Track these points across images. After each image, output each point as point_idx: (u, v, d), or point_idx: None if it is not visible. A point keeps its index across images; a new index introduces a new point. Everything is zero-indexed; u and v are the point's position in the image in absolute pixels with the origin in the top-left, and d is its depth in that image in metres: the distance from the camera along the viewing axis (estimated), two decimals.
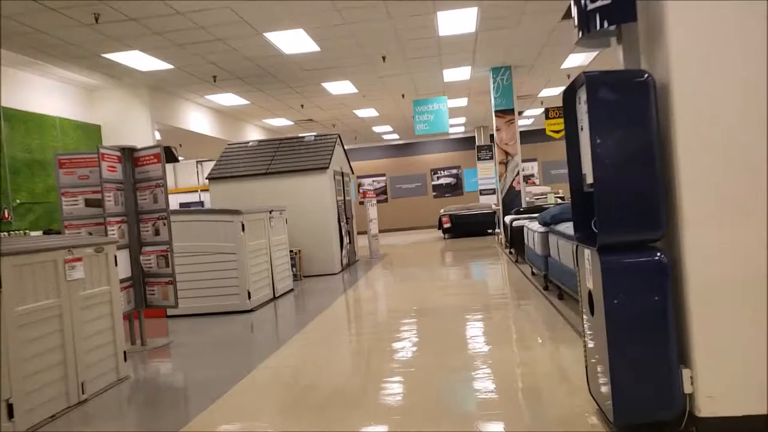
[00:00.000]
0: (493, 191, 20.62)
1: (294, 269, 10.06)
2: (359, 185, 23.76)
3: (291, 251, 9.93)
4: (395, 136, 22.04)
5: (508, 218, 10.28)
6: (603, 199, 2.65)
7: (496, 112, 12.06)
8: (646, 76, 2.67)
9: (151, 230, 5.93)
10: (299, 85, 12.19)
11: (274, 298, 8.25)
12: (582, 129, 2.98)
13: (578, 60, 11.96)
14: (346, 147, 24.44)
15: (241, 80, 11.42)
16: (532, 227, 7.16)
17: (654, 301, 2.61)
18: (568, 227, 5.32)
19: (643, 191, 2.66)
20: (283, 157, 11.03)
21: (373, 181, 23.84)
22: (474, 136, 23.11)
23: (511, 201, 11.98)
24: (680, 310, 2.71)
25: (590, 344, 3.11)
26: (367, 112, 15.99)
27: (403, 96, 13.82)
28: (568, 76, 13.55)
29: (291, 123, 16.93)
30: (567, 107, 3.14)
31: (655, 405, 2.65)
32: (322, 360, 4.79)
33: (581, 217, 3.12)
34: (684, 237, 2.68)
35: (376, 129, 19.62)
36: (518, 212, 10.50)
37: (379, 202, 23.66)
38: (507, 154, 12.05)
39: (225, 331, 6.30)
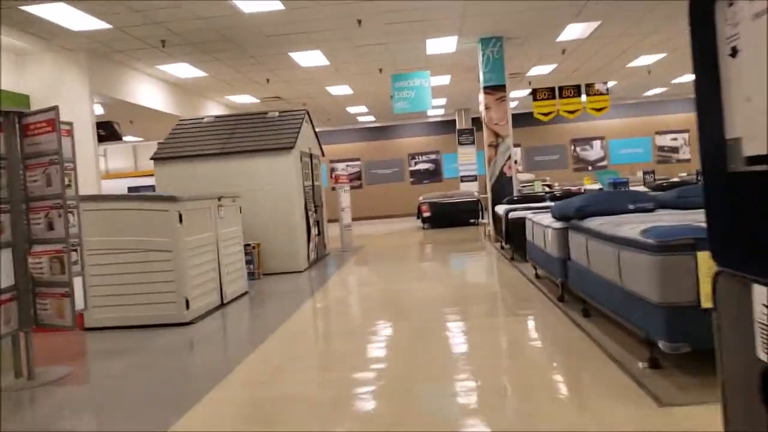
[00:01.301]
0: (474, 178, 19.32)
1: (251, 267, 8.58)
2: (332, 170, 22.22)
3: (248, 245, 8.44)
4: (371, 117, 20.54)
5: (501, 208, 8.92)
6: None
7: (485, 88, 10.67)
8: None
9: (43, 223, 4.40)
10: (263, 55, 10.61)
11: (222, 305, 6.77)
12: (737, 52, 1.56)
13: (577, 31, 10.61)
14: (317, 129, 22.90)
15: (194, 47, 9.80)
16: (541, 221, 5.80)
17: None
18: (605, 224, 3.95)
19: None
20: (242, 136, 9.48)
21: (347, 165, 22.34)
22: (455, 120, 21.74)
23: (502, 188, 10.64)
24: None
25: None
26: (341, 89, 14.45)
27: (380, 71, 12.33)
28: (563, 51, 12.22)
29: (256, 100, 15.30)
30: (697, 25, 1.71)
31: None
32: (270, 415, 3.35)
33: (724, 220, 1.72)
34: None
35: (351, 110, 18.09)
36: (512, 201, 9.15)
37: (352, 188, 22.14)
38: (497, 135, 10.68)
39: (145, 358, 4.81)
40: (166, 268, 5.89)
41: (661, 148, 21.52)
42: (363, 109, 18.06)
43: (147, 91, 11.66)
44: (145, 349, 5.09)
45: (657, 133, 21.53)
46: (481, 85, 10.70)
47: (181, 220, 5.92)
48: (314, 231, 9.89)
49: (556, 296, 5.49)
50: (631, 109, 21.48)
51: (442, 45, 10.76)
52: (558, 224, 5.08)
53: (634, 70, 15.12)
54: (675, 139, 21.47)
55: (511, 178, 10.69)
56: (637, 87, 18.37)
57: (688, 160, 21.22)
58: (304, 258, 9.24)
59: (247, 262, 8.51)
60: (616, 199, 4.55)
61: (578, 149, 21.92)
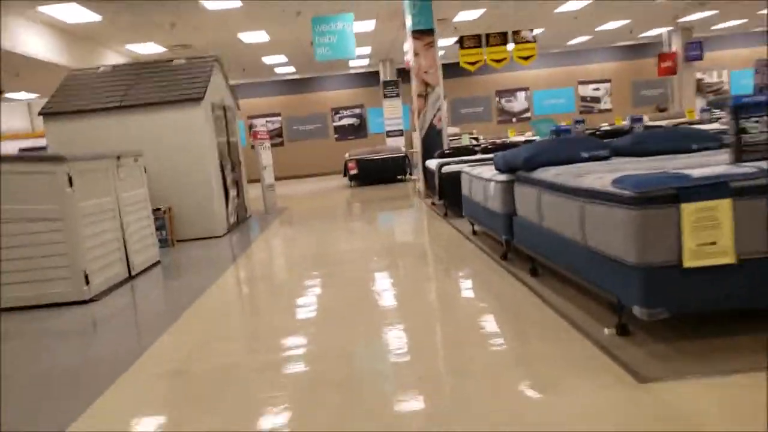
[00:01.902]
0: (401, 132, 18.81)
1: (163, 233, 7.72)
2: (250, 126, 21.03)
3: (157, 210, 7.57)
4: (291, 69, 19.40)
5: (432, 163, 8.46)
6: None
7: (413, 32, 10.02)
8: None
9: None
10: None
11: (130, 277, 5.96)
12: None
13: None
14: (232, 82, 21.44)
15: None
16: (480, 174, 5.36)
17: None
18: (562, 175, 3.52)
19: None
20: (144, 87, 8.41)
21: (267, 122, 21.20)
22: (379, 72, 20.98)
23: (432, 142, 10.17)
24: None
25: None
26: (256, 36, 13.34)
27: (298, 13, 11.37)
28: None
29: (163, 49, 13.90)
30: None
31: None
32: (183, 409, 2.74)
33: None
34: None
35: (267, 60, 16.93)
36: (444, 155, 8.70)
37: (273, 145, 21.05)
38: (427, 84, 10.13)
39: (32, 343, 4.03)
40: (56, 240, 5.03)
41: (583, 98, 21.75)
42: (282, 59, 16.96)
43: (29, 39, 10.18)
44: (33, 333, 4.30)
45: (580, 83, 21.71)
46: (409, 29, 10.05)
47: (71, 184, 5.03)
48: (233, 192, 9.07)
49: (499, 254, 5.11)
50: (554, 59, 21.48)
51: None
52: (502, 177, 4.64)
53: (560, 17, 14.89)
54: (597, 89, 21.75)
55: (441, 131, 10.22)
56: (563, 35, 18.27)
57: (609, 110, 21.59)
58: (223, 222, 8.45)
59: (158, 228, 7.66)
60: (568, 147, 4.14)
61: (503, 101, 21.80)
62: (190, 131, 8.04)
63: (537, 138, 8.65)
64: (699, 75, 20.33)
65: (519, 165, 4.24)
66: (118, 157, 5.96)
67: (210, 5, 10.21)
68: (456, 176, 6.82)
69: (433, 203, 9.08)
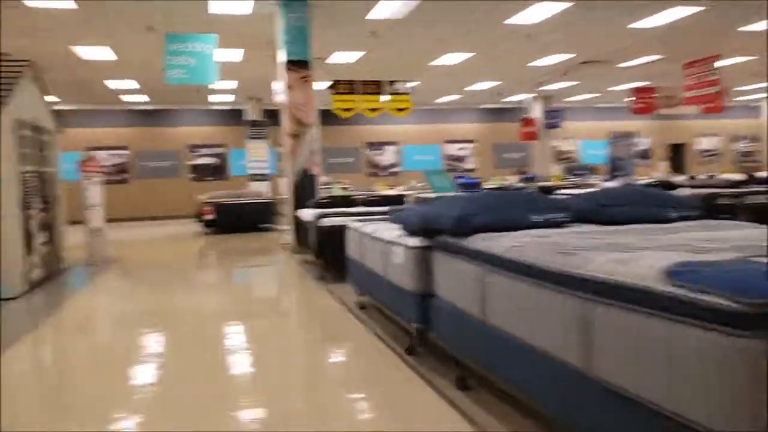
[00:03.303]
0: (265, 177, 17.18)
1: None
2: (89, 158, 18.17)
3: None
4: (143, 97, 17.11)
5: (307, 213, 7.01)
6: None
7: (288, 63, 8.69)
8: None
9: None
10: None
11: None
12: None
13: (394, 6, 9.15)
14: (72, 107, 18.57)
15: None
16: (378, 233, 4.03)
17: None
18: (524, 248, 2.27)
19: None
20: None
21: (111, 154, 18.49)
22: (244, 110, 19.34)
23: (303, 189, 8.76)
24: None
25: None
26: (97, 53, 11.20)
27: (150, 29, 9.56)
28: (373, 33, 10.80)
29: None
30: None
31: None
32: None
33: None
34: None
35: (112, 84, 14.63)
36: (321, 205, 7.31)
37: (118, 182, 18.40)
38: (300, 123, 8.77)
39: None
40: None
41: (449, 157, 21.73)
42: (132, 84, 14.74)
43: None
44: None
45: (446, 141, 21.70)
46: (284, 58, 8.70)
47: None
48: (40, 238, 6.88)
49: (404, 346, 3.74)
50: (424, 115, 21.31)
51: (233, 2, 8.51)
52: (414, 241, 3.34)
53: (435, 70, 14.47)
54: (462, 148, 21.86)
55: (314, 177, 8.85)
56: (433, 92, 18.04)
57: (473, 170, 21.71)
58: (19, 277, 6.25)
59: None
60: (514, 207, 2.95)
61: (373, 153, 21.11)
62: None
63: (432, 194, 7.55)
64: (554, 143, 21.17)
65: (443, 226, 2.96)
66: None
67: (32, 2, 8.12)
68: (338, 231, 5.44)
69: (305, 261, 7.60)
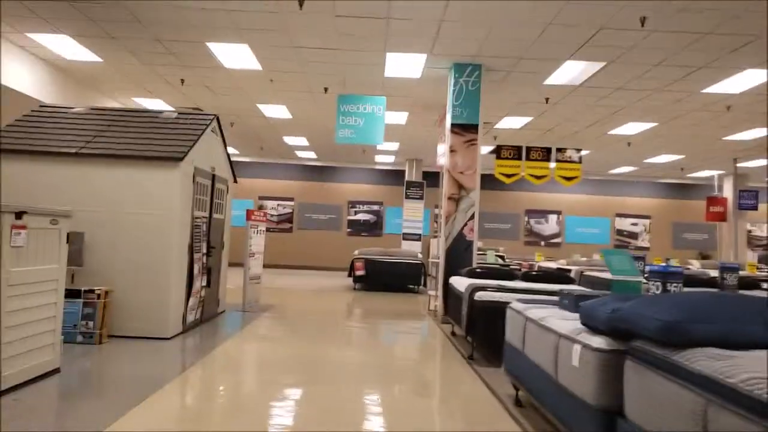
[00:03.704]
0: (418, 237, 17.11)
1: (90, 324, 5.76)
2: (259, 207, 19.51)
3: (90, 292, 5.67)
4: (311, 154, 18.12)
5: (461, 282, 6.51)
6: None
7: (453, 126, 8.47)
8: None
9: None
10: (174, 40, 8.08)
11: None
12: None
13: (572, 72, 8.66)
14: (248, 159, 20.14)
15: (73, 6, 7.15)
16: (548, 322, 3.41)
17: None
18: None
19: None
20: (115, 135, 6.79)
21: (279, 205, 19.68)
22: (404, 171, 19.67)
23: (458, 254, 8.32)
24: None
25: None
26: (276, 110, 12.00)
27: (326, 90, 9.99)
28: (547, 100, 10.31)
29: (170, 109, 12.61)
30: None
31: None
32: None
33: None
34: None
35: (289, 140, 15.61)
36: (475, 274, 6.78)
37: (282, 231, 19.48)
38: (461, 186, 8.43)
39: None
40: None
41: (620, 232, 20.03)
42: (303, 141, 15.63)
43: (13, 69, 8.83)
44: None
45: (617, 215, 20.08)
46: (449, 122, 8.50)
47: None
48: (199, 282, 7.14)
49: None
50: (592, 186, 20.05)
51: (407, 65, 8.55)
52: (599, 341, 2.69)
53: (612, 140, 13.47)
54: (635, 224, 20.06)
55: (471, 243, 8.39)
56: (607, 162, 16.87)
57: (647, 248, 19.79)
58: (177, 318, 6.47)
59: (86, 318, 5.73)
60: (745, 313, 2.22)
61: (532, 221, 20.15)
62: (158, 198, 6.28)
63: (604, 273, 6.68)
64: (748, 226, 18.66)
65: (644, 330, 2.30)
66: (19, 215, 4.14)
67: (226, 61, 8.85)
68: (495, 309, 4.87)
69: (453, 332, 7.05)
